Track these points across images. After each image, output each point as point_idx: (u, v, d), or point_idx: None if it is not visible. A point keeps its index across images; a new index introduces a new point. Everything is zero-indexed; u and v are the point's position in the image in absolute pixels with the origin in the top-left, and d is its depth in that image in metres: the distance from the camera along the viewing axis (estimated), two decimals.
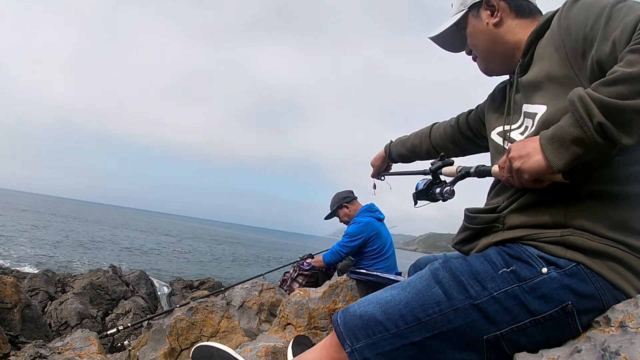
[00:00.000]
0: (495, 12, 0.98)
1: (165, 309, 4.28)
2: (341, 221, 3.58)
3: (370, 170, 1.75)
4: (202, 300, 2.29)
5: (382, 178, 1.75)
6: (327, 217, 3.65)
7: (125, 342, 2.78)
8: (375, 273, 2.07)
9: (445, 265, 0.84)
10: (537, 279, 0.74)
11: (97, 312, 4.71)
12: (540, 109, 0.84)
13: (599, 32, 0.72)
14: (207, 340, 2.02)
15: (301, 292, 2.10)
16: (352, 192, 3.59)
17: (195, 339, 2.05)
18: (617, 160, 0.75)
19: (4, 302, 2.32)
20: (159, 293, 6.22)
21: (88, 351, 1.69)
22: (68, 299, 4.50)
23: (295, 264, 3.68)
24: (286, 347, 1.62)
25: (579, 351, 0.68)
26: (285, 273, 3.72)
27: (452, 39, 1.11)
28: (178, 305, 2.25)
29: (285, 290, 3.34)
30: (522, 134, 0.90)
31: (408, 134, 1.59)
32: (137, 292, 5.56)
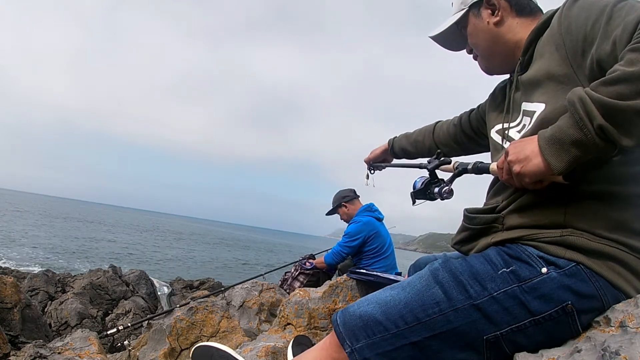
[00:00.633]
0: (496, 11, 0.98)
1: (165, 309, 4.28)
2: (341, 219, 3.61)
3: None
4: (202, 300, 2.29)
5: (372, 171, 1.73)
6: (328, 213, 3.71)
7: (125, 342, 2.78)
8: (375, 273, 2.07)
9: (445, 265, 0.84)
10: (536, 279, 0.74)
11: (97, 312, 4.71)
12: (538, 107, 0.83)
13: (600, 31, 0.72)
14: (207, 340, 2.02)
15: (301, 292, 2.10)
16: (354, 191, 3.61)
17: (195, 339, 2.05)
18: (617, 161, 0.75)
19: (4, 302, 2.32)
20: (159, 293, 6.22)
21: (88, 351, 1.69)
22: (68, 299, 4.50)
23: (296, 264, 3.69)
24: (286, 347, 1.62)
25: (579, 351, 0.68)
26: (286, 272, 3.74)
27: (453, 38, 1.11)
28: (178, 305, 2.25)
29: (286, 290, 3.35)
30: (519, 132, 0.90)
31: (412, 130, 1.59)
32: (137, 292, 5.56)
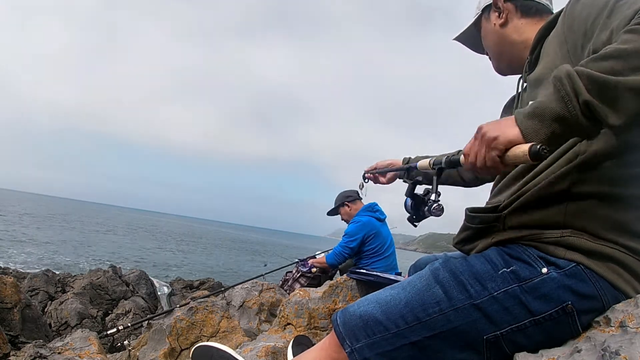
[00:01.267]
0: (501, 13, 1.02)
1: (165, 309, 4.29)
2: (342, 219, 3.62)
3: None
4: (202, 300, 2.29)
5: (366, 181, 1.68)
6: (329, 213, 3.72)
7: (125, 342, 2.78)
8: (375, 273, 2.07)
9: (445, 265, 0.84)
10: (537, 279, 0.74)
11: (97, 312, 4.71)
12: None
13: (599, 25, 0.72)
14: (207, 340, 2.02)
15: (301, 292, 2.10)
16: (356, 192, 3.62)
17: (195, 339, 2.05)
18: (618, 162, 0.75)
19: (4, 302, 2.32)
20: (159, 293, 6.22)
21: (88, 351, 1.69)
22: (68, 299, 4.50)
23: (298, 263, 3.70)
24: (286, 347, 1.62)
25: (579, 351, 0.68)
26: (287, 273, 3.74)
27: (475, 40, 1.17)
28: (178, 305, 2.25)
29: (286, 291, 3.35)
30: None
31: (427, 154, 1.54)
32: (137, 292, 5.56)
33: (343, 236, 3.40)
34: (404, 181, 1.32)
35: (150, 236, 36.64)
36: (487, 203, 0.95)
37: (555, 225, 0.77)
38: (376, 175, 1.52)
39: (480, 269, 0.80)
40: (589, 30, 0.74)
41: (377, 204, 3.51)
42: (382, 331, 0.81)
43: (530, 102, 0.68)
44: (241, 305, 2.66)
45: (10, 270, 6.96)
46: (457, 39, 1.21)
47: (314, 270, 3.52)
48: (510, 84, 1.14)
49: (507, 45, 1.03)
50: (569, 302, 0.73)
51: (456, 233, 0.99)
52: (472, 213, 0.92)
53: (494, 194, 0.95)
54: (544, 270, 0.75)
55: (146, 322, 2.43)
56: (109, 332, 2.22)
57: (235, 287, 2.88)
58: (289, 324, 1.99)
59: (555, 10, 0.98)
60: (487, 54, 1.13)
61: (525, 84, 0.97)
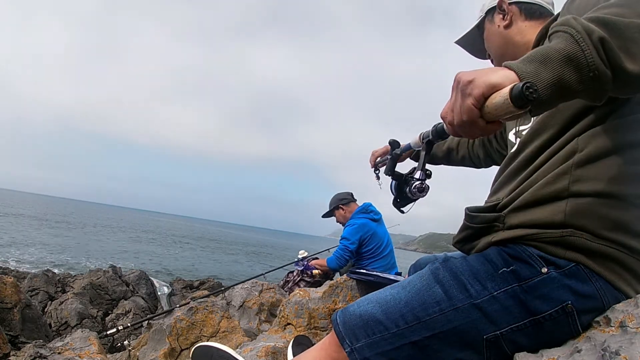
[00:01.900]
0: (506, 15, 1.04)
1: (165, 309, 4.29)
2: (337, 221, 3.62)
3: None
4: (202, 300, 2.30)
5: (378, 174, 1.66)
6: (324, 216, 3.71)
7: (125, 342, 2.78)
8: (375, 273, 2.07)
9: (445, 264, 0.84)
10: (537, 279, 0.74)
11: (97, 312, 4.71)
12: None
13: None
14: (207, 340, 2.02)
15: (301, 292, 2.10)
16: (351, 194, 3.62)
17: (195, 339, 2.05)
18: (618, 160, 0.74)
19: (4, 302, 2.32)
20: (159, 293, 6.22)
21: (88, 351, 1.69)
22: (68, 299, 4.50)
23: (298, 262, 3.70)
24: (286, 347, 1.62)
25: (579, 351, 0.68)
26: (288, 273, 3.74)
27: (476, 44, 1.18)
28: (178, 305, 2.25)
29: (287, 292, 3.35)
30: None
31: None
32: (137, 292, 5.56)
33: (340, 240, 3.40)
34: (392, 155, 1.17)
35: (150, 236, 36.64)
36: (486, 201, 0.95)
37: (555, 225, 0.77)
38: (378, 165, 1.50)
39: (480, 268, 0.80)
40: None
41: (371, 204, 3.51)
42: (382, 331, 0.81)
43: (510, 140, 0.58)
44: (241, 305, 2.66)
45: (10, 270, 6.96)
46: (459, 42, 1.22)
47: (315, 272, 3.52)
48: None
49: (510, 47, 1.04)
50: (569, 302, 0.73)
51: (456, 233, 0.99)
52: (472, 212, 0.92)
53: (493, 191, 0.95)
54: (544, 269, 0.74)
55: (146, 322, 2.43)
56: (109, 332, 2.22)
57: (235, 287, 2.88)
58: (289, 324, 1.99)
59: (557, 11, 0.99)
60: (489, 57, 1.14)
61: None
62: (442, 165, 1.56)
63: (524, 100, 0.50)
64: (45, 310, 4.44)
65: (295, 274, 3.65)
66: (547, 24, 0.92)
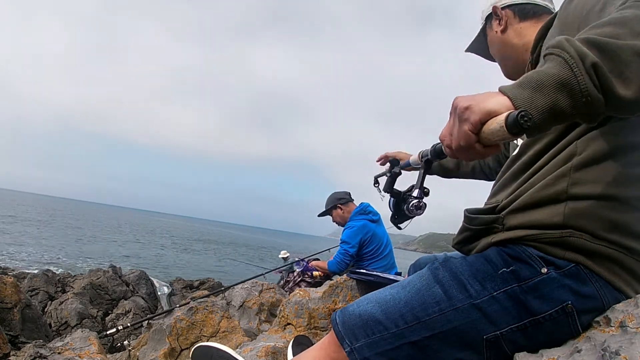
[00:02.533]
0: (501, 20, 1.06)
1: (165, 309, 4.29)
2: (334, 221, 3.58)
3: (373, 168, 1.65)
4: (202, 300, 2.30)
5: (377, 184, 1.65)
6: (320, 215, 3.67)
7: (125, 342, 2.78)
8: (375, 273, 2.07)
9: (445, 264, 0.84)
10: (536, 279, 0.74)
11: (97, 312, 4.72)
12: None
13: (592, 19, 0.71)
14: (207, 340, 2.02)
15: (301, 292, 2.10)
16: (349, 194, 3.60)
17: (195, 339, 2.05)
18: (617, 163, 0.74)
19: (4, 302, 2.32)
20: (159, 293, 6.22)
21: (88, 351, 1.69)
22: (68, 299, 4.50)
23: (299, 263, 3.69)
24: (286, 347, 1.62)
25: (579, 351, 0.68)
26: (289, 274, 3.73)
27: (486, 48, 1.20)
28: (178, 305, 2.25)
29: (287, 292, 3.35)
30: None
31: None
32: (137, 292, 5.57)
33: (340, 243, 3.39)
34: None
35: (150, 236, 36.62)
36: (485, 203, 0.95)
37: (555, 226, 0.77)
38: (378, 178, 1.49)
39: (479, 268, 0.80)
40: (582, 24, 0.73)
41: (369, 205, 3.49)
42: (382, 331, 0.81)
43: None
44: (241, 305, 2.66)
45: (10, 270, 6.96)
46: (469, 50, 1.25)
47: (315, 274, 3.52)
48: None
49: (509, 50, 1.06)
50: (569, 302, 0.73)
51: (456, 233, 0.99)
52: (471, 214, 0.92)
53: (492, 193, 0.95)
54: (544, 270, 0.74)
55: (146, 322, 2.43)
56: (108, 332, 2.22)
57: (235, 287, 2.88)
58: (289, 324, 1.99)
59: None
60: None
61: None
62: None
63: (519, 128, 0.52)
64: (45, 310, 4.44)
65: (295, 274, 3.64)
66: (546, 23, 0.91)
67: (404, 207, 0.98)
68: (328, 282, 2.24)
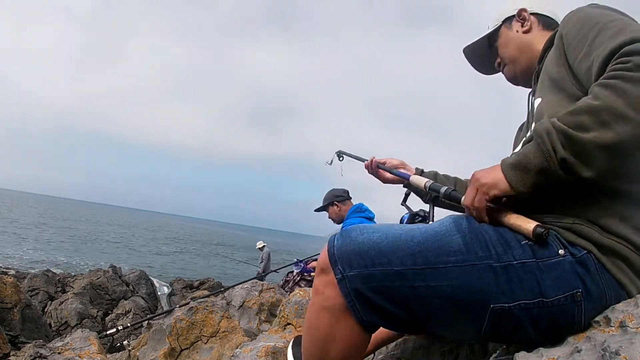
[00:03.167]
0: (526, 22, 1.10)
1: (165, 309, 4.29)
2: (329, 217, 3.56)
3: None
4: (202, 300, 2.30)
5: (341, 158, 1.60)
6: (317, 210, 3.65)
7: (125, 342, 2.78)
8: None
9: (470, 220, 0.81)
10: (553, 259, 0.73)
11: (97, 312, 4.72)
12: (537, 102, 0.92)
13: (586, 44, 0.79)
14: (207, 340, 2.03)
15: (301, 292, 2.10)
16: (347, 192, 3.59)
17: (195, 339, 2.05)
18: (631, 158, 0.75)
19: (4, 302, 2.32)
20: (159, 293, 6.22)
21: (88, 351, 1.69)
22: (68, 299, 4.51)
23: (298, 264, 3.69)
24: (286, 347, 1.62)
25: (579, 351, 0.68)
26: (288, 274, 3.73)
27: (482, 57, 1.23)
28: (178, 305, 2.25)
29: (287, 292, 3.35)
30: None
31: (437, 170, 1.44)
32: (137, 292, 5.57)
33: None
34: (404, 186, 1.37)
35: (150, 236, 36.62)
36: None
37: (567, 214, 0.78)
38: (380, 170, 1.47)
39: (503, 234, 0.77)
40: (578, 45, 0.82)
41: (363, 204, 3.49)
42: (384, 264, 0.74)
43: (515, 151, 0.78)
44: (241, 305, 2.66)
45: (10, 270, 6.96)
46: (466, 51, 1.25)
47: (310, 265, 3.52)
48: (516, 90, 1.16)
49: (527, 51, 1.09)
50: (579, 290, 0.72)
51: None
52: None
53: None
54: (561, 251, 0.74)
55: (146, 322, 2.43)
56: (108, 332, 2.22)
57: (235, 287, 2.89)
58: (289, 324, 1.99)
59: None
60: (500, 66, 1.17)
61: (533, 93, 1.02)
62: (451, 163, 1.54)
63: (541, 239, 0.74)
64: (45, 310, 4.44)
65: (295, 274, 3.64)
66: (550, 36, 0.98)
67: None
68: None
